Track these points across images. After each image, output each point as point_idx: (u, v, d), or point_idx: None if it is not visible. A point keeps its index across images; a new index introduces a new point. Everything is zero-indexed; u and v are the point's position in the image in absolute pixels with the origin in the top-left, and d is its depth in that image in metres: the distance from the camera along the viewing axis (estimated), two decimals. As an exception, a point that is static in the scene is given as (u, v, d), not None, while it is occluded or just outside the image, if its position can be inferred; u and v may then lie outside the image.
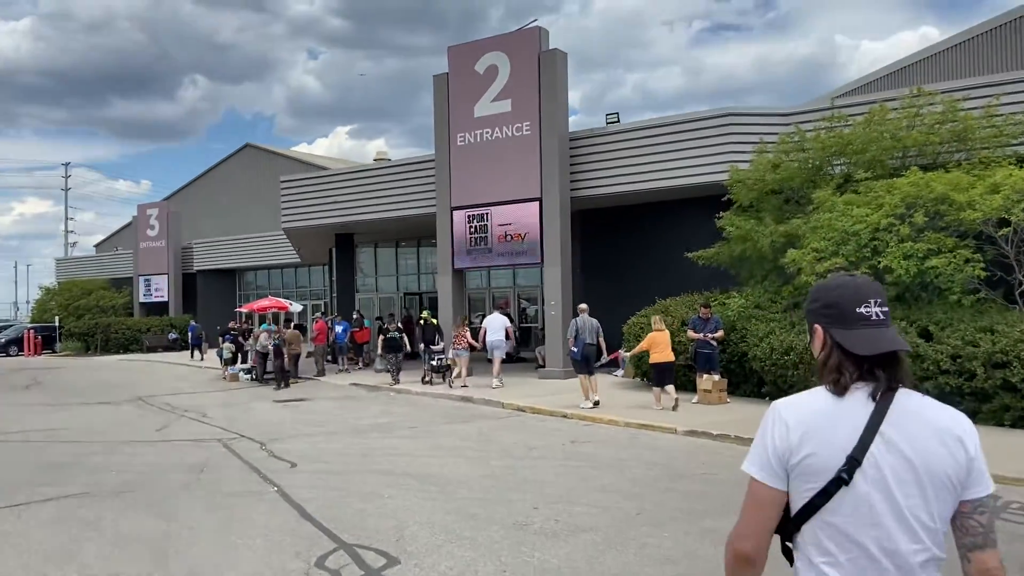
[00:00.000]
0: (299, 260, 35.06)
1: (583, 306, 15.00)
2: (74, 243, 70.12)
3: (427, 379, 18.35)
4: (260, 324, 27.57)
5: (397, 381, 18.29)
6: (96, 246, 55.98)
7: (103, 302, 42.57)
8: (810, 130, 14.98)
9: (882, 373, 1.79)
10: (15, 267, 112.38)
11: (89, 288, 43.62)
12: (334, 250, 28.31)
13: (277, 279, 40.95)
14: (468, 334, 17.54)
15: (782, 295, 14.15)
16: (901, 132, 13.78)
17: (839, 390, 1.81)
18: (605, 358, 14.76)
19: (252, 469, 9.50)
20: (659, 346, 12.74)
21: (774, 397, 13.41)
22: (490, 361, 17.46)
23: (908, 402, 1.79)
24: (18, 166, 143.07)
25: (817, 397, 1.84)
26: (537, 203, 18.63)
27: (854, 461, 1.73)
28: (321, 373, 21.91)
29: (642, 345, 13.08)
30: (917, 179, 12.26)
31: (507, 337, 17.78)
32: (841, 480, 1.73)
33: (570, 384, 17.16)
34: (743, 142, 16.88)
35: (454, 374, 17.60)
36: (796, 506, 1.80)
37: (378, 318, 24.95)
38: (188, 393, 19.57)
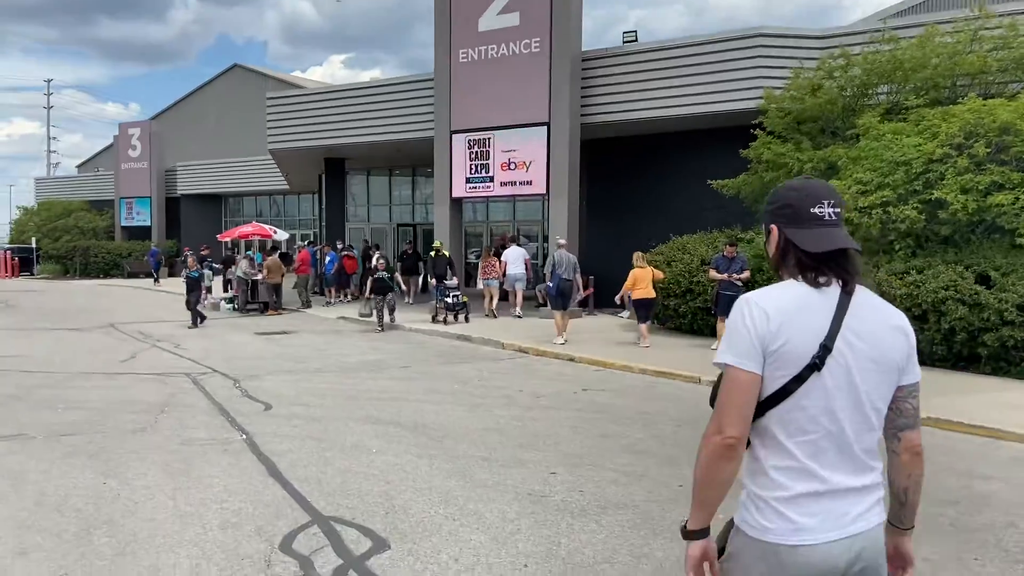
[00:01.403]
0: (288, 187, 33.45)
1: (561, 240, 14.92)
2: (57, 164, 68.04)
3: (440, 318, 16.43)
4: (247, 251, 26.26)
5: (382, 328, 15.82)
6: (78, 167, 53.90)
7: (83, 224, 40.91)
8: (856, 52, 13.47)
9: (837, 270, 1.89)
10: (9, 189, 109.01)
11: (69, 209, 41.89)
12: (324, 177, 26.73)
13: (265, 206, 39.33)
14: (499, 264, 17.71)
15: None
16: (957, 56, 12.30)
17: (793, 282, 1.91)
18: (580, 295, 15.06)
19: (220, 411, 8.28)
20: (641, 282, 12.69)
21: None
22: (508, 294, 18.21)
23: (863, 297, 1.92)
24: (4, 85, 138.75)
25: (787, 290, 1.90)
26: (544, 128, 17.10)
27: (826, 349, 1.82)
28: (306, 305, 20.65)
29: (627, 283, 12.87)
30: (978, 106, 10.87)
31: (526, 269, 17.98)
32: (814, 366, 1.81)
33: (574, 324, 15.97)
34: (774, 66, 15.34)
35: (486, 304, 17.30)
36: (768, 391, 1.85)
37: (376, 247, 23.56)
38: (165, 322, 18.29)
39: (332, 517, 4.81)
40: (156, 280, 32.15)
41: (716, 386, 1.92)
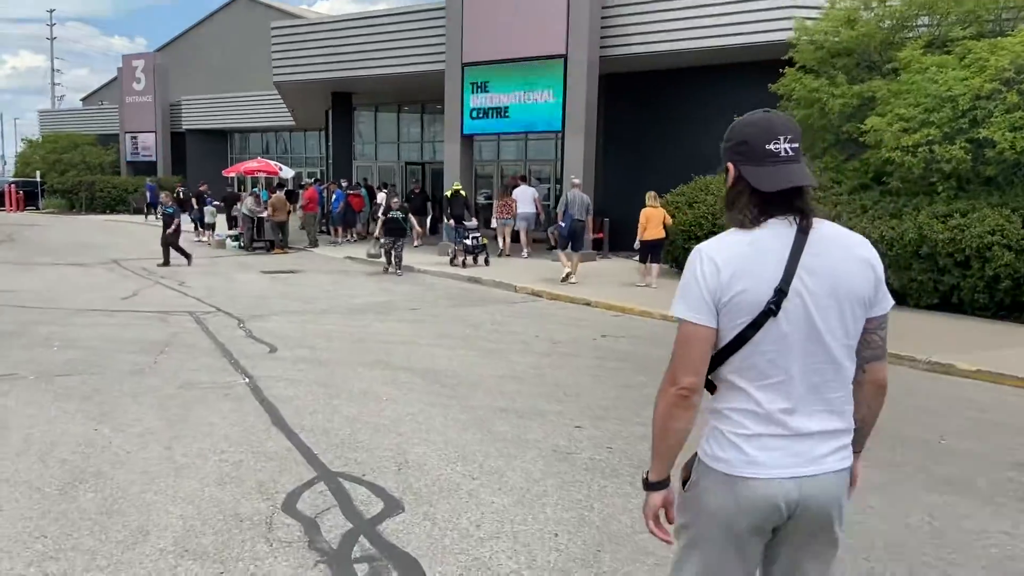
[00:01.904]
0: (294, 123, 32.63)
1: (576, 180, 14.71)
2: (61, 96, 67.01)
3: (458, 260, 15.68)
4: (253, 188, 25.67)
5: (388, 268, 15.12)
6: (83, 100, 52.96)
7: (89, 158, 40.22)
8: (895, -20, 12.61)
9: (792, 206, 1.83)
10: (0, 120, 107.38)
11: (75, 142, 41.14)
12: (330, 113, 25.94)
13: (272, 143, 38.55)
14: (515, 204, 17.44)
15: (847, 172, 12.21)
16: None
17: (750, 226, 1.84)
18: (590, 237, 15.07)
19: (223, 352, 7.87)
20: (651, 222, 12.54)
21: None
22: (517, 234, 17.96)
23: (823, 230, 1.86)
24: (7, 16, 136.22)
25: (738, 236, 1.85)
26: (562, 61, 16.30)
27: (781, 292, 1.78)
28: (313, 244, 20.17)
29: (640, 222, 12.67)
30: (1032, 39, 10.11)
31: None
32: (770, 311, 1.78)
33: (590, 268, 15.47)
34: (807, -5, 14.44)
35: (500, 245, 16.86)
36: (725, 339, 1.83)
37: (382, 187, 22.92)
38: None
39: (340, 473, 4.40)
40: (148, 216, 31.69)
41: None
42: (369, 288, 13.43)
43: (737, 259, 1.81)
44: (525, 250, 17.67)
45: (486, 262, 15.89)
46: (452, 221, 15.86)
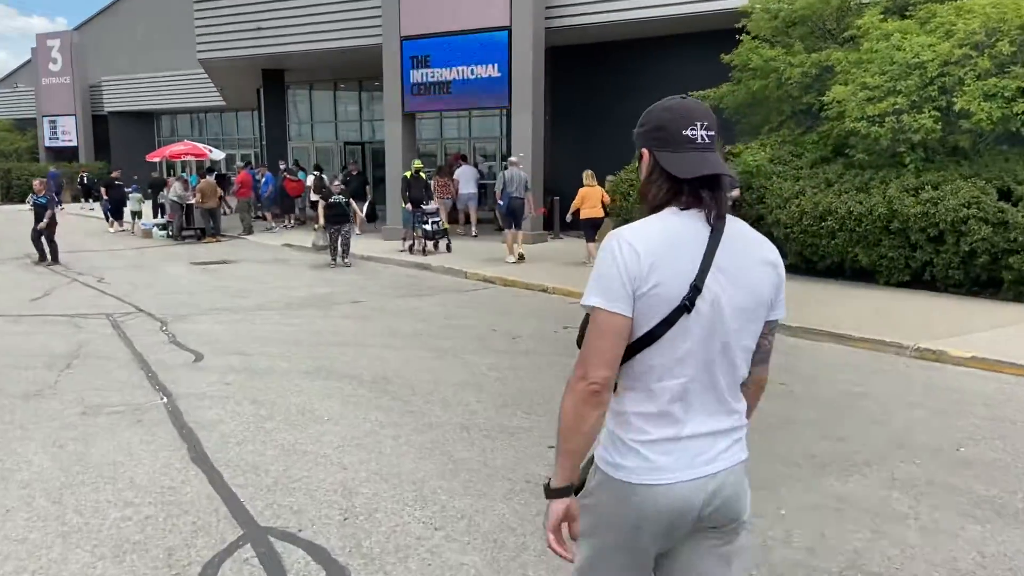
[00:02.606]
0: (224, 104, 31.00)
1: (513, 158, 14.60)
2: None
3: (417, 247, 14.66)
4: (181, 172, 24.20)
5: (335, 262, 13.82)
6: (-4, 83, 49.85)
7: (4, 145, 37.86)
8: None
9: (708, 197, 1.75)
10: None
11: (-12, 129, 38.70)
12: (262, 91, 24.56)
13: (202, 125, 36.71)
14: (451, 184, 16.86)
15: (807, 145, 11.73)
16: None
17: (664, 214, 1.77)
18: (531, 213, 14.62)
19: (140, 363, 6.94)
20: (589, 200, 12.43)
21: (800, 271, 11.00)
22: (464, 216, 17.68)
23: (733, 228, 1.78)
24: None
25: (655, 225, 1.75)
26: (505, 33, 15.46)
27: (696, 289, 1.70)
28: (248, 231, 19.02)
29: (575, 202, 12.61)
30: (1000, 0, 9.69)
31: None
32: (684, 308, 1.70)
33: (541, 250, 14.80)
34: (759, -39, 13.87)
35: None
36: (635, 335, 1.73)
37: (317, 168, 21.75)
38: (92, 251, 16.62)
39: (271, 529, 3.59)
40: (59, 205, 30.33)
41: (583, 328, 1.77)
42: (308, 279, 12.50)
43: (657, 249, 1.70)
44: (473, 229, 17.36)
45: (448, 248, 14.93)
46: (410, 205, 14.84)
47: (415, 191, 14.77)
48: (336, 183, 14.20)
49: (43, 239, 14.57)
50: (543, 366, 6.77)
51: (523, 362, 6.89)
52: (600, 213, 12.51)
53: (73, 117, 36.48)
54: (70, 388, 6.13)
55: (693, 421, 1.76)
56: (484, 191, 21.18)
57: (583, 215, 12.46)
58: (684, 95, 1.86)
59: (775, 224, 10.74)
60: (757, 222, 11.28)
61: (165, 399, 5.80)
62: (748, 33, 12.75)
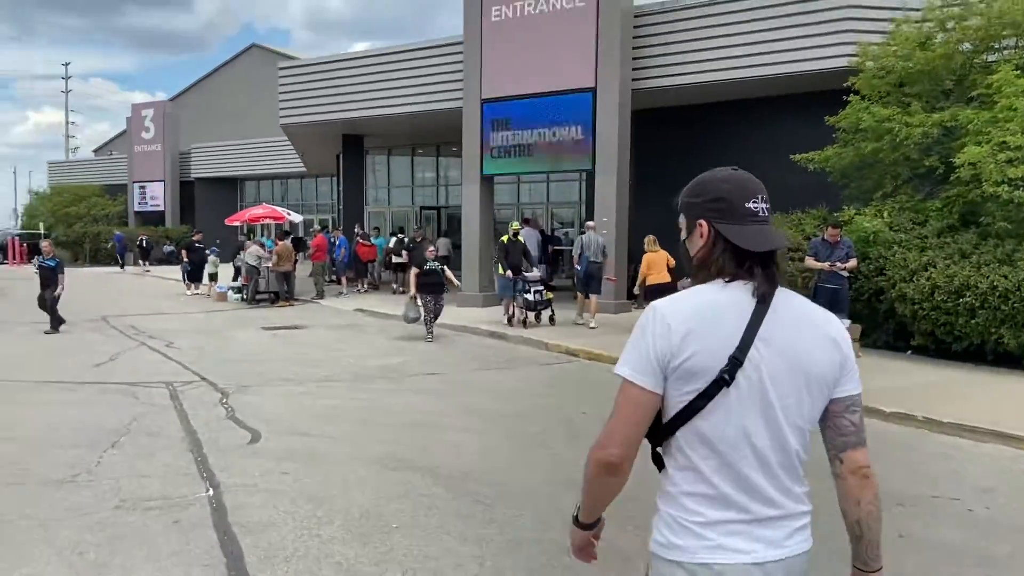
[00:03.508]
0: (304, 169, 31.42)
1: (591, 223, 14.22)
2: (76, 148, 66.31)
3: (518, 318, 13.17)
4: (259, 236, 24.31)
5: (431, 336, 12.35)
6: (95, 151, 52.32)
7: (95, 210, 39.25)
8: (973, -2, 11.10)
9: (762, 271, 1.72)
10: (14, 172, 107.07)
11: (81, 194, 40.22)
12: (341, 157, 24.64)
13: (281, 190, 37.37)
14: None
15: (930, 212, 10.55)
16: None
17: (711, 286, 1.74)
18: (607, 280, 14.00)
19: (191, 444, 6.21)
20: (655, 267, 12.16)
21: (930, 354, 9.47)
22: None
23: (787, 301, 1.74)
24: (34, 74, 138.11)
25: (697, 297, 1.73)
26: (590, 95, 14.85)
27: (736, 361, 1.65)
28: (320, 295, 18.62)
29: (642, 271, 12.37)
30: None
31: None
32: (723, 381, 1.65)
33: (625, 320, 13.76)
34: (866, 18, 12.97)
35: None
36: (674, 409, 1.70)
37: (396, 232, 21.32)
38: (165, 314, 16.40)
39: None
40: (122, 266, 31.95)
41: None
42: (380, 347, 11.80)
43: (693, 320, 1.67)
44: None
45: (551, 320, 13.34)
46: (509, 272, 13.29)
47: (514, 256, 13.37)
48: (432, 249, 12.82)
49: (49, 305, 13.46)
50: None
51: (623, 456, 5.87)
52: (667, 278, 12.03)
53: (162, 183, 37.61)
54: (109, 473, 5.41)
55: (749, 505, 1.68)
56: (557, 255, 20.45)
57: (650, 281, 12.05)
58: (733, 167, 1.83)
59: (900, 299, 9.53)
60: (876, 296, 10.10)
61: (211, 491, 5.01)
62: (856, 92, 11.78)
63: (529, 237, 17.01)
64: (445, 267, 12.80)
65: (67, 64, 66.54)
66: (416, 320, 12.33)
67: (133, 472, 5.43)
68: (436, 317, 12.46)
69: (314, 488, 5.07)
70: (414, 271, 12.45)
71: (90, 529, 4.35)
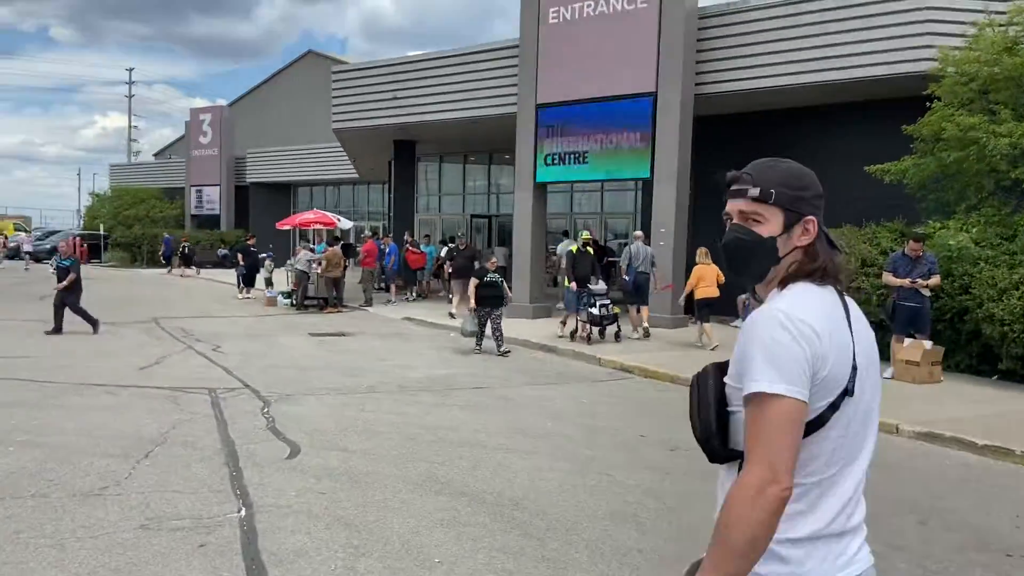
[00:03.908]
0: (357, 176, 31.45)
1: (638, 233, 14.13)
2: (138, 152, 68.08)
3: (582, 334, 12.36)
4: (310, 242, 24.26)
5: (483, 348, 11.81)
6: (155, 156, 53.52)
7: (154, 212, 39.96)
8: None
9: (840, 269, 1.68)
10: (79, 174, 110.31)
11: (141, 196, 41.03)
12: (393, 163, 24.50)
13: (334, 196, 37.54)
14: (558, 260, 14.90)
15: (1019, 226, 9.78)
16: None
17: (813, 288, 1.62)
18: (656, 288, 13.57)
19: (227, 455, 5.90)
20: (705, 279, 11.95)
21: (1015, 379, 8.66)
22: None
23: (848, 300, 1.67)
24: (102, 79, 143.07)
25: (814, 300, 1.59)
26: (651, 100, 14.34)
27: (855, 369, 1.55)
28: (368, 303, 18.40)
29: (690, 282, 12.19)
30: None
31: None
32: (848, 391, 1.54)
33: (682, 336, 13.19)
34: (946, 20, 12.19)
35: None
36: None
37: (447, 241, 21.04)
38: (214, 317, 16.34)
39: None
40: (169, 269, 32.21)
41: (697, 406, 1.66)
42: (427, 358, 11.44)
43: (829, 326, 1.54)
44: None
45: (617, 337, 12.51)
46: (574, 284, 12.50)
47: (582, 268, 12.48)
48: (493, 260, 12.05)
49: (66, 307, 13.01)
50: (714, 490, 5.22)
51: (692, 485, 5.35)
52: (716, 292, 11.92)
53: (218, 187, 38.11)
54: (140, 486, 5.10)
55: (838, 518, 1.57)
56: (610, 267, 19.92)
57: (698, 295, 11.90)
58: (787, 160, 1.72)
59: (986, 320, 8.80)
60: (960, 316, 9.36)
61: (243, 511, 4.65)
62: (937, 99, 11.06)
63: (566, 247, 16.64)
64: (503, 280, 12.09)
65: (131, 70, 68.57)
66: (473, 334, 11.78)
67: (164, 486, 5.12)
68: (500, 331, 11.68)
69: (352, 512, 4.68)
70: (474, 283, 11.72)
71: (109, 551, 4.02)
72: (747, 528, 1.43)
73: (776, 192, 1.64)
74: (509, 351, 11.61)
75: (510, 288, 13.27)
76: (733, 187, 1.71)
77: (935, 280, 8.93)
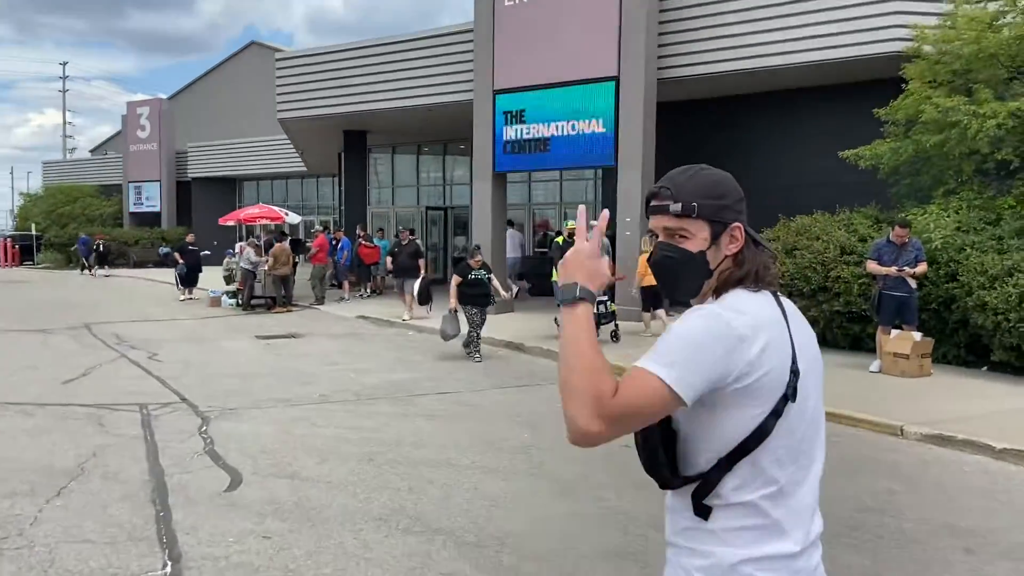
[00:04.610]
0: (305, 169, 30.29)
1: (590, 220, 12.48)
2: (73, 149, 65.30)
3: None
4: (250, 236, 23.13)
5: (479, 356, 10.53)
6: (91, 152, 51.23)
7: (90, 210, 38.11)
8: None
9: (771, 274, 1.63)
10: (11, 173, 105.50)
11: (75, 195, 39.10)
12: (343, 155, 23.49)
13: (281, 191, 36.24)
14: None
15: (1003, 210, 9.40)
16: None
17: (749, 292, 1.57)
18: (615, 278, 12.34)
19: (155, 489, 5.06)
20: (647, 268, 11.02)
21: (1013, 371, 8.04)
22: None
23: (784, 301, 1.62)
24: (37, 76, 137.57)
25: (754, 302, 1.54)
26: (613, 83, 13.69)
27: (795, 375, 1.50)
28: (320, 301, 17.47)
29: (639, 270, 11.36)
30: None
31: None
32: (786, 397, 1.49)
33: (642, 329, 12.59)
34: (917, -2, 11.80)
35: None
36: (740, 435, 1.47)
37: (403, 232, 20.16)
38: (153, 321, 15.25)
39: None
40: (84, 269, 30.54)
41: (646, 440, 1.57)
42: (384, 360, 10.64)
43: (766, 331, 1.48)
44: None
45: (614, 337, 11.45)
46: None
47: None
48: (478, 257, 10.79)
49: None
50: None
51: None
52: None
53: (158, 183, 36.47)
54: (46, 535, 4.25)
55: (795, 531, 1.51)
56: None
57: (645, 283, 11.31)
58: (704, 166, 1.67)
59: (977, 308, 8.35)
60: (947, 305, 8.92)
61: (168, 567, 3.85)
62: (906, 81, 10.66)
63: (512, 240, 16.10)
64: (492, 276, 10.84)
65: (64, 63, 65.58)
66: (455, 337, 10.55)
67: (73, 534, 4.28)
68: (477, 336, 10.60)
69: (304, 563, 3.91)
70: (456, 280, 10.52)
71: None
72: (566, 387, 1.45)
73: (699, 205, 1.59)
74: (480, 359, 10.49)
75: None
76: (653, 203, 1.64)
77: (922, 267, 8.46)
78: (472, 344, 10.55)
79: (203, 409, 7.55)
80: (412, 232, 20.21)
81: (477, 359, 10.47)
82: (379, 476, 5.39)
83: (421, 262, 15.00)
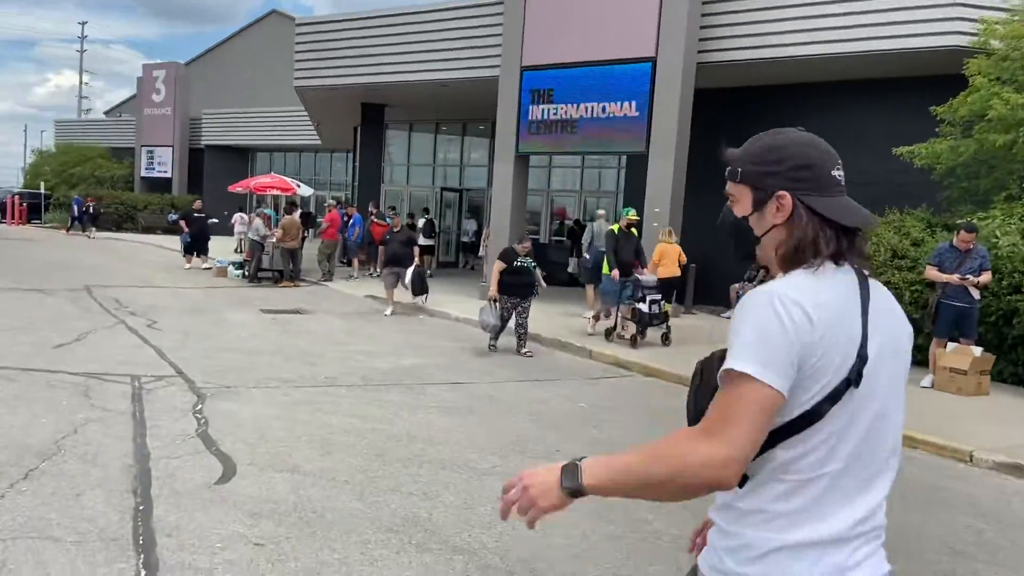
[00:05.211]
0: (319, 143, 29.64)
1: (601, 212, 13.95)
2: (88, 110, 64.73)
3: (624, 334, 10.24)
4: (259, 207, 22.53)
5: (497, 347, 9.71)
6: (105, 113, 50.65)
7: (100, 171, 37.57)
8: None
9: (854, 249, 1.48)
10: (25, 130, 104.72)
11: (87, 155, 38.55)
12: (359, 130, 22.81)
13: (295, 163, 35.61)
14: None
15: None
16: None
17: (820, 269, 1.44)
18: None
19: (136, 477, 4.46)
20: (666, 258, 11.44)
21: None
22: None
23: (875, 284, 1.51)
24: (58, 36, 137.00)
25: (819, 283, 1.42)
26: (649, 65, 12.97)
27: (862, 360, 1.39)
28: (327, 277, 16.87)
29: (653, 259, 11.24)
30: None
31: None
32: (849, 381, 1.38)
33: (677, 326, 11.95)
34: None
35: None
36: (789, 415, 1.38)
37: (420, 214, 19.55)
38: (156, 287, 14.70)
39: None
40: (69, 230, 29.82)
41: (695, 392, 1.55)
42: (394, 342, 10.04)
43: (825, 312, 1.37)
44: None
45: (665, 340, 10.32)
46: (616, 272, 10.26)
47: (625, 252, 10.26)
48: (527, 243, 9.81)
49: None
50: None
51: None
52: (677, 272, 11.75)
53: (170, 149, 35.88)
54: (4, 527, 3.65)
55: (838, 522, 1.40)
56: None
57: (659, 274, 11.01)
58: (799, 127, 1.57)
59: (1044, 325, 7.68)
60: (1008, 319, 8.24)
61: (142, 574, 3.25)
62: (965, 77, 9.94)
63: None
64: (537, 266, 9.90)
65: (83, 23, 65.09)
66: (496, 328, 9.58)
67: (38, 528, 3.68)
68: (524, 328, 9.68)
69: (300, 582, 3.30)
70: (499, 266, 9.55)
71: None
72: (670, 471, 1.36)
73: (743, 170, 1.54)
74: (531, 354, 9.60)
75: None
76: (728, 168, 1.58)
77: (986, 277, 7.78)
78: (499, 333, 9.70)
79: (200, 385, 6.96)
80: (412, 216, 19.56)
81: (528, 352, 9.60)
82: (389, 476, 4.78)
83: (415, 250, 13.64)
